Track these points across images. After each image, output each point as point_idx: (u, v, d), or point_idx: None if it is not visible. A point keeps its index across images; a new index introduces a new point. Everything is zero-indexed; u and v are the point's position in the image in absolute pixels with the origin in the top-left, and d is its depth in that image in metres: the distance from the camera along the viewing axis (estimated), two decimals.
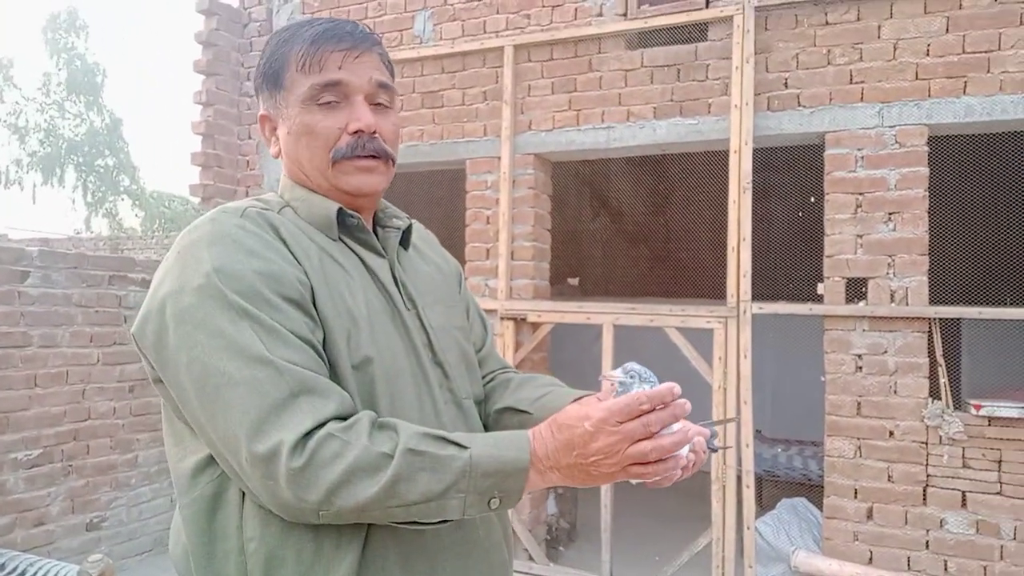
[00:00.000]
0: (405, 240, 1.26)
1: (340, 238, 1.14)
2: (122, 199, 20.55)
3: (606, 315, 4.21)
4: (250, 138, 5.43)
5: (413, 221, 1.30)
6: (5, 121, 19.56)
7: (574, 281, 7.03)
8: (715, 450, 1.13)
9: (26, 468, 3.98)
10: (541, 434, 0.98)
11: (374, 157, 1.13)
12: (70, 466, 4.22)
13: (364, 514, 0.94)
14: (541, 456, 0.96)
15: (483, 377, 1.34)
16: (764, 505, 5.06)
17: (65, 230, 20.13)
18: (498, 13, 4.59)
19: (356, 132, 1.11)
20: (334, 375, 1.02)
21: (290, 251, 1.05)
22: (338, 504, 0.91)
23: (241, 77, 5.47)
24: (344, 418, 0.96)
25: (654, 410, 0.93)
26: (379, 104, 1.15)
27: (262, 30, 5.43)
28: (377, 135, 1.13)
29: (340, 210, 1.13)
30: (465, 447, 0.95)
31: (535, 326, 4.44)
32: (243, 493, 1.01)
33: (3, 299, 3.85)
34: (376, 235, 1.21)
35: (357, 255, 1.15)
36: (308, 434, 0.92)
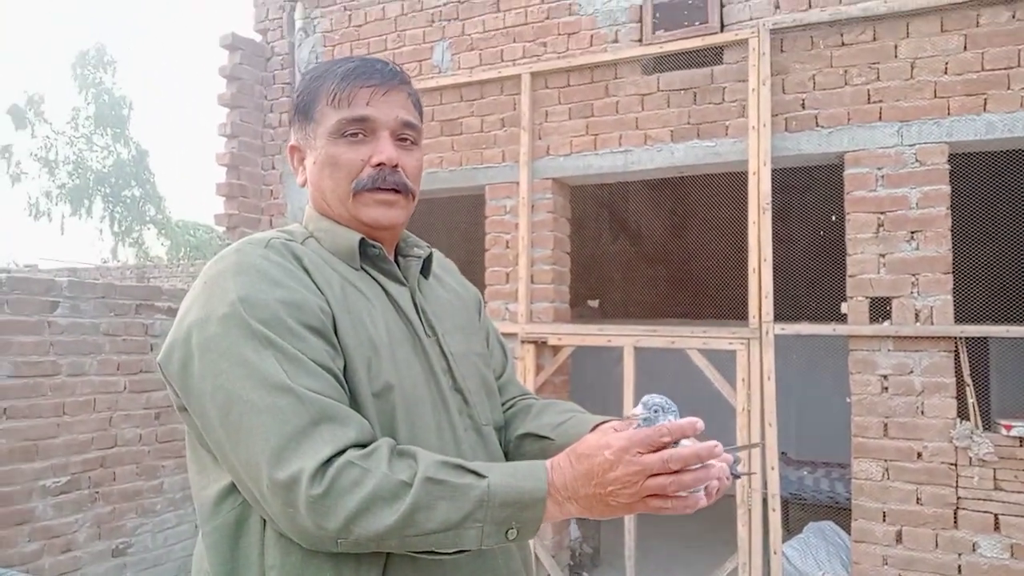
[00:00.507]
0: (426, 269, 1.28)
1: (362, 267, 1.16)
2: (148, 228, 20.90)
3: (627, 337, 4.20)
4: (274, 168, 5.53)
5: (433, 250, 1.32)
6: (36, 155, 20.04)
7: (594, 303, 7.03)
8: (738, 476, 1.11)
9: (54, 495, 4.02)
10: (559, 464, 0.98)
11: (395, 192, 1.16)
12: (97, 493, 4.27)
13: (383, 543, 0.94)
14: (559, 486, 0.96)
15: (503, 403, 1.35)
16: (791, 529, 4.98)
17: (92, 260, 20.50)
18: (515, 42, 4.66)
19: (378, 165, 1.14)
20: (354, 403, 1.03)
21: (313, 280, 1.08)
22: (357, 532, 0.92)
23: (264, 109, 5.58)
24: (364, 445, 0.97)
25: (676, 442, 0.93)
26: (404, 140, 1.18)
27: (284, 63, 5.54)
28: (399, 169, 1.16)
29: (362, 240, 1.16)
30: (483, 476, 0.96)
31: (556, 349, 4.44)
32: (264, 521, 1.02)
33: (33, 329, 3.93)
34: (397, 264, 1.23)
35: (379, 283, 1.17)
36: (328, 461, 0.93)
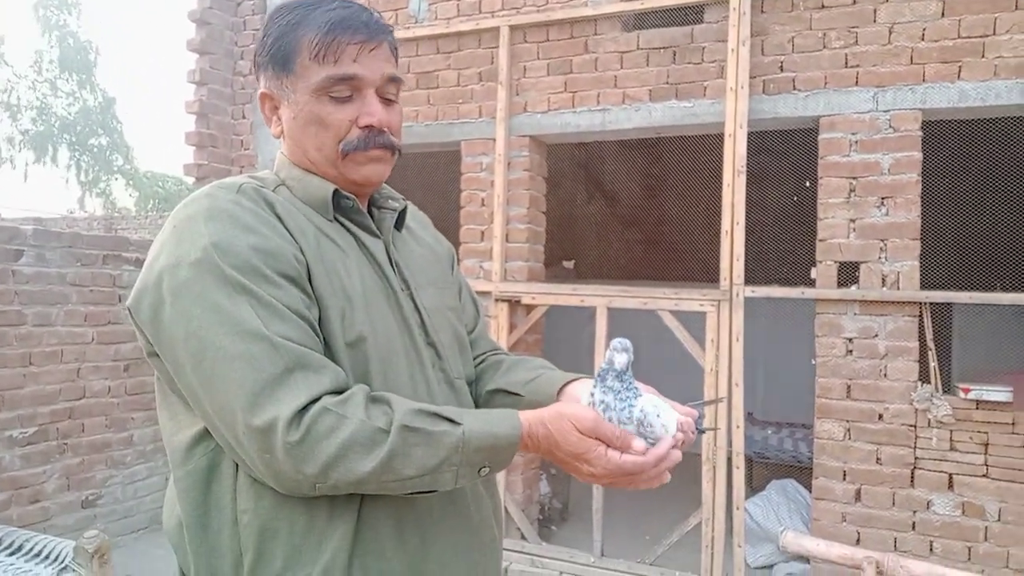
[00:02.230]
0: (400, 221, 1.27)
1: (336, 218, 1.15)
2: (116, 179, 20.45)
3: (600, 298, 4.23)
4: (244, 117, 5.41)
5: (408, 203, 1.31)
6: None
7: (569, 264, 7.05)
8: (703, 431, 1.15)
9: (22, 446, 4.00)
10: (534, 427, 1.04)
11: (383, 148, 1.15)
12: (65, 444, 4.25)
13: (360, 487, 0.97)
14: (531, 435, 1.04)
15: (475, 358, 1.36)
16: (754, 486, 5.12)
17: (59, 209, 20.05)
18: None
19: (367, 127, 1.12)
20: (328, 352, 1.04)
21: (286, 228, 1.06)
22: (334, 478, 0.94)
23: (235, 56, 5.43)
24: (339, 392, 0.98)
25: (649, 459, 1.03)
26: (387, 97, 1.17)
27: (256, 9, 5.38)
28: (386, 130, 1.15)
29: (336, 191, 1.14)
30: (458, 423, 0.99)
31: (529, 308, 4.46)
32: (237, 466, 1.03)
33: None
34: (372, 216, 1.22)
35: (353, 235, 1.16)
36: (304, 408, 0.94)
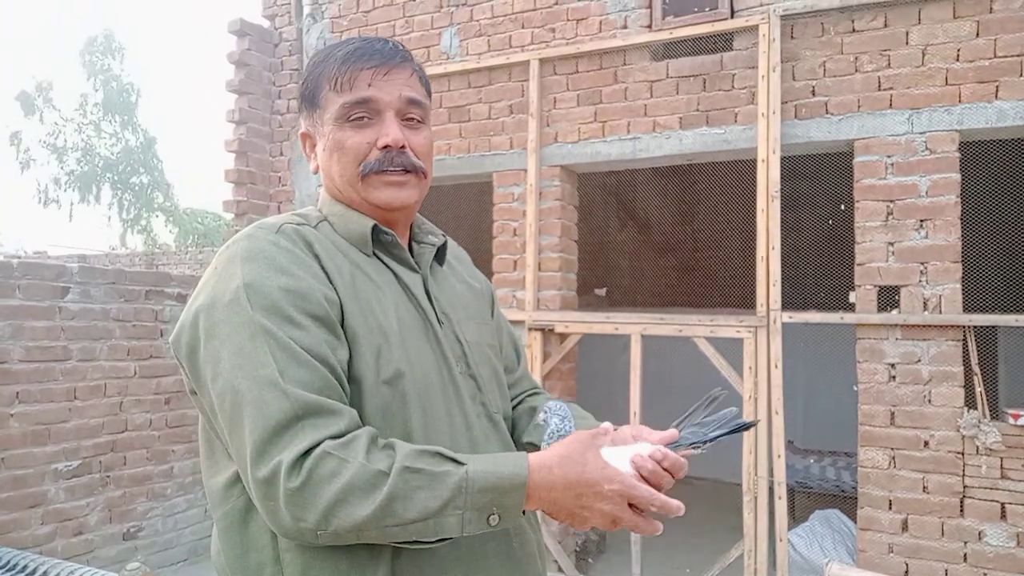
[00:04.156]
0: (440, 256, 1.28)
1: (375, 253, 1.16)
2: (156, 216, 20.96)
3: (634, 325, 4.20)
4: (282, 154, 5.53)
5: (448, 238, 1.32)
6: (44, 142, 20.08)
7: (601, 292, 7.03)
8: (703, 442, 1.06)
9: (66, 478, 4.07)
10: (545, 463, 0.99)
11: (404, 171, 1.15)
12: (108, 477, 4.31)
13: (362, 534, 0.94)
14: (539, 484, 0.98)
15: (516, 396, 1.36)
16: (796, 517, 4.99)
17: (101, 247, 20.56)
18: (523, 28, 4.64)
19: (385, 147, 1.14)
20: (362, 390, 1.04)
21: (322, 266, 1.08)
22: (335, 524, 0.92)
23: (272, 96, 5.58)
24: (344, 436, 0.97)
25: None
26: (411, 119, 1.17)
27: (292, 49, 5.54)
28: (407, 150, 1.15)
29: (375, 227, 1.15)
30: (462, 463, 0.96)
31: (563, 337, 4.44)
32: None
33: (44, 314, 3.96)
34: (411, 250, 1.23)
35: (391, 270, 1.17)
36: (306, 453, 0.93)
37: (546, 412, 1.15)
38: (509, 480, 0.96)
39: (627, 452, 1.02)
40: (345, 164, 1.15)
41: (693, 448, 1.06)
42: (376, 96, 1.14)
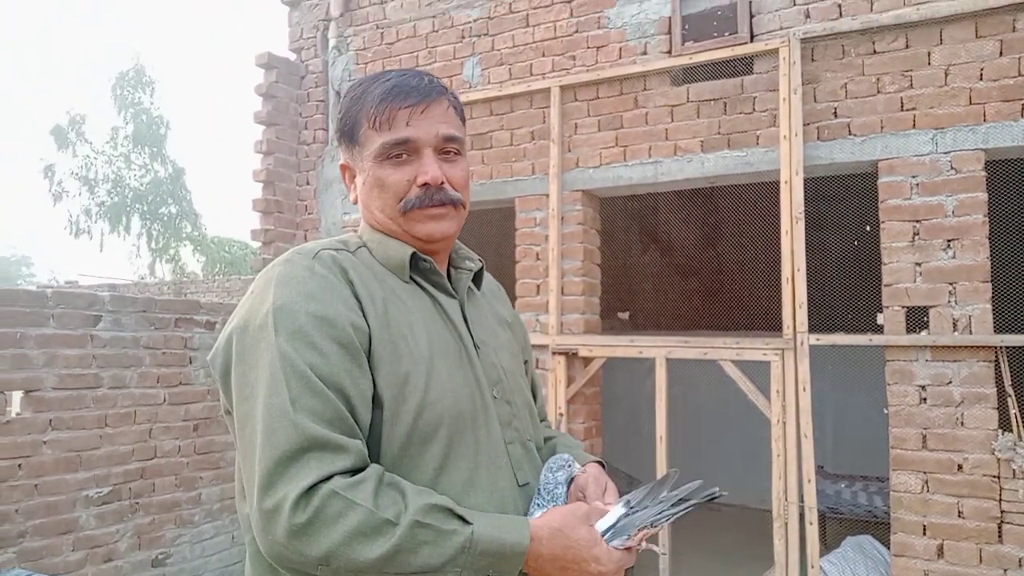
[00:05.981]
0: (477, 281, 1.31)
1: (412, 279, 1.18)
2: (184, 245, 21.30)
3: (658, 348, 4.18)
4: (308, 184, 5.63)
5: (483, 264, 1.34)
6: (76, 174, 20.59)
7: (624, 315, 7.01)
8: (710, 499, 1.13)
9: (97, 505, 4.12)
10: (537, 531, 1.03)
11: (443, 204, 1.18)
12: (137, 503, 4.36)
13: (360, 575, 0.95)
14: (536, 554, 1.02)
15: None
16: (828, 543, 4.89)
17: (130, 276, 20.91)
18: (544, 56, 4.70)
19: (424, 185, 1.16)
20: (385, 418, 1.05)
21: (355, 293, 1.09)
22: (335, 564, 0.94)
23: (299, 126, 5.69)
24: (354, 472, 0.98)
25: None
26: (447, 153, 1.20)
27: (319, 81, 5.65)
28: (445, 185, 1.18)
29: (414, 254, 1.18)
30: (469, 523, 0.98)
31: (586, 361, 4.44)
32: None
33: (77, 342, 4.04)
34: (449, 275, 1.26)
35: (429, 295, 1.19)
36: (312, 489, 0.94)
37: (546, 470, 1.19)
38: (511, 548, 1.00)
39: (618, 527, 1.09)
40: (386, 200, 1.18)
41: (652, 527, 1.11)
42: (415, 136, 1.16)
